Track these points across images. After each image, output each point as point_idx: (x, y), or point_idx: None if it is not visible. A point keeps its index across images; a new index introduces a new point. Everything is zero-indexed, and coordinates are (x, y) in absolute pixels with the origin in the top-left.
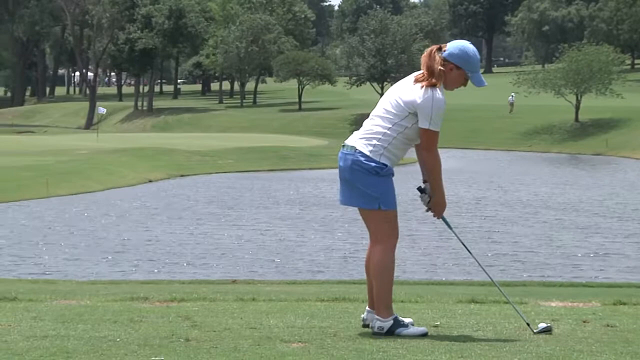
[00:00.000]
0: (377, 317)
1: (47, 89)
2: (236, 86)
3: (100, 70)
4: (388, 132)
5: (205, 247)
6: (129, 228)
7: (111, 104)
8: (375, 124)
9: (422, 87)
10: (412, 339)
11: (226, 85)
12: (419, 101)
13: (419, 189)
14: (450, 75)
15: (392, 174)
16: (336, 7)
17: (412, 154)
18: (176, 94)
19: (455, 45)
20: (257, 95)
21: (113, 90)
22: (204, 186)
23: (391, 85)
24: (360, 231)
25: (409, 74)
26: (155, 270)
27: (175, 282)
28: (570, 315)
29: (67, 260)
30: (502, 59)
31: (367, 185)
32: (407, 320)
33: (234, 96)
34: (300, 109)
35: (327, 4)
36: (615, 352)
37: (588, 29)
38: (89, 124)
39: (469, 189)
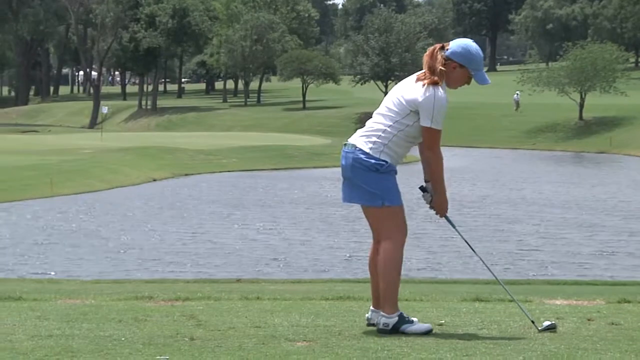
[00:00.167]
0: (382, 313)
1: (51, 88)
2: (240, 85)
3: (104, 69)
4: (388, 129)
5: (209, 246)
6: (133, 227)
7: (115, 103)
8: (377, 121)
9: (424, 85)
10: (417, 336)
11: (230, 84)
12: (420, 99)
13: (421, 188)
14: (453, 73)
15: (394, 171)
16: (340, 6)
17: (415, 151)
18: (180, 93)
19: (457, 44)
20: (261, 94)
21: (117, 89)
22: (208, 185)
23: (395, 83)
24: (364, 230)
25: (413, 73)
26: (160, 269)
27: (180, 281)
28: (575, 314)
29: (72, 260)
30: (505, 57)
31: (368, 182)
32: (412, 319)
33: (238, 95)
34: (304, 108)
35: (331, 2)
36: (620, 350)
37: (592, 27)
38: (93, 123)
39: (473, 188)
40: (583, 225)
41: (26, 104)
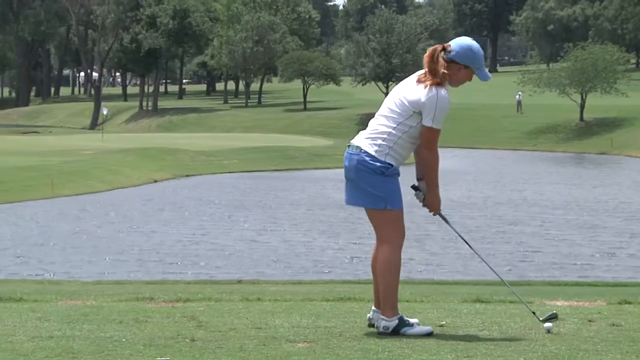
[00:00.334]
0: (382, 316)
1: (52, 89)
2: (241, 86)
3: (105, 70)
4: (393, 131)
5: (210, 247)
6: (134, 228)
7: (116, 104)
8: (380, 123)
9: (426, 86)
10: (418, 338)
11: (231, 85)
12: (423, 99)
13: (413, 186)
14: (458, 75)
15: (398, 174)
16: (341, 7)
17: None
18: (181, 94)
19: (459, 45)
20: (262, 95)
21: (118, 90)
22: (209, 186)
23: (396, 84)
24: (366, 231)
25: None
26: (161, 271)
27: (181, 282)
28: (576, 315)
29: (72, 261)
30: (506, 58)
31: (373, 185)
32: (412, 320)
33: (239, 96)
34: (305, 109)
35: (331, 3)
36: (620, 351)
37: (593, 28)
38: (94, 124)
39: (474, 189)
40: (584, 226)
41: (27, 105)
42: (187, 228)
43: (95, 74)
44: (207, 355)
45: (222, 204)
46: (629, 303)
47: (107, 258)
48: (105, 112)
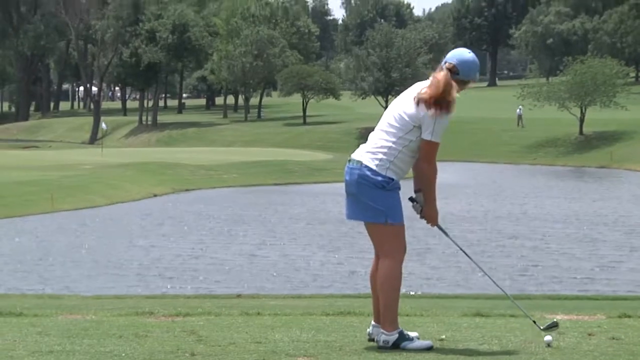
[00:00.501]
0: (382, 330)
1: (52, 104)
2: (240, 100)
3: (104, 85)
4: (393, 145)
5: (209, 261)
6: (133, 243)
7: (115, 119)
8: (380, 137)
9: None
10: (418, 352)
11: (230, 99)
12: (422, 113)
13: (411, 198)
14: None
15: (399, 188)
16: (340, 21)
17: None
18: (180, 108)
19: (468, 66)
20: (262, 109)
21: (117, 104)
22: (208, 200)
23: (395, 98)
24: (365, 245)
25: None
26: (160, 285)
27: (180, 296)
28: (576, 328)
29: (72, 275)
30: (506, 72)
31: (374, 199)
32: (412, 334)
33: (239, 110)
34: (304, 123)
35: (331, 18)
36: None
37: (592, 42)
38: (94, 138)
39: (474, 202)
40: (584, 240)
41: (27, 119)
42: (187, 242)
43: (94, 89)
44: None
45: (222, 218)
46: (629, 317)
47: (107, 272)
48: (104, 126)
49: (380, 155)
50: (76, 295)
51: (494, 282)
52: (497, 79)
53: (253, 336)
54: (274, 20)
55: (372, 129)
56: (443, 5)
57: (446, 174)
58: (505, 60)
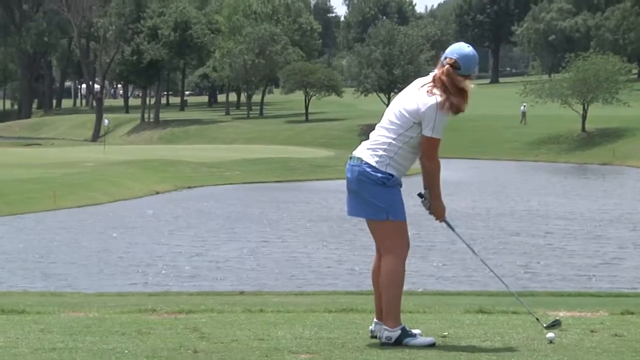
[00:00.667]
0: (385, 327)
1: (54, 101)
2: (243, 98)
3: (106, 82)
4: (393, 142)
5: (212, 258)
6: (136, 240)
7: (118, 116)
8: (381, 134)
9: (427, 92)
10: (420, 349)
11: (233, 96)
12: (423, 109)
13: (419, 194)
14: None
15: (400, 185)
16: (342, 18)
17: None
18: (183, 105)
19: (466, 58)
20: (264, 107)
21: (120, 102)
22: (211, 198)
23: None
24: (368, 242)
25: None
26: (163, 282)
27: (183, 293)
28: (578, 325)
29: (75, 273)
30: (508, 69)
31: (374, 196)
32: (415, 331)
33: (241, 108)
34: (307, 120)
35: (333, 15)
36: None
37: (594, 39)
38: (96, 136)
39: (477, 200)
40: (587, 237)
41: (29, 117)
42: (189, 239)
43: (97, 86)
44: None
45: (224, 216)
46: (632, 313)
47: (109, 269)
48: (107, 123)
49: (380, 152)
50: (79, 292)
51: (499, 278)
52: (499, 76)
53: (256, 333)
54: (276, 17)
55: (374, 126)
56: (445, 2)
57: (448, 171)
58: (507, 57)
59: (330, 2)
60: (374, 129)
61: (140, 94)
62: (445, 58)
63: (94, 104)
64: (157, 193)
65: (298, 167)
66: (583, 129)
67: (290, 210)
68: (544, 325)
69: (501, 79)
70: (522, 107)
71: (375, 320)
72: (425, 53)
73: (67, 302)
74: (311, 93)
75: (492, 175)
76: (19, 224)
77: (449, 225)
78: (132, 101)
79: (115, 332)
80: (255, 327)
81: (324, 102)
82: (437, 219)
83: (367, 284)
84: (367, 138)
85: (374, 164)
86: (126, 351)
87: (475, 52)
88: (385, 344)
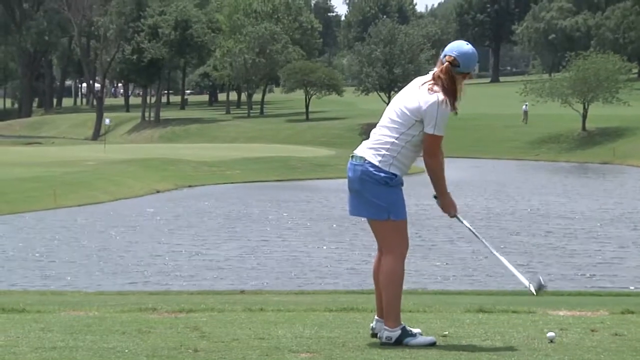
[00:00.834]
0: (385, 327)
1: (55, 100)
2: (243, 97)
3: (107, 81)
4: (396, 141)
5: (212, 257)
6: (136, 239)
7: (118, 115)
8: (382, 133)
9: (428, 90)
10: (421, 348)
11: (233, 95)
12: (424, 107)
13: (435, 196)
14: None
15: (402, 184)
16: (342, 17)
17: (421, 162)
18: (183, 104)
19: (466, 56)
20: (264, 106)
21: (120, 101)
22: (211, 197)
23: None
24: (369, 241)
25: None
26: (163, 281)
27: (184, 292)
28: (579, 324)
29: (75, 272)
30: (509, 68)
31: (377, 195)
32: (415, 330)
33: (241, 107)
34: (307, 119)
35: (333, 14)
36: None
37: (595, 38)
38: (97, 135)
39: (478, 199)
40: (587, 236)
41: (29, 115)
42: (190, 238)
43: (97, 85)
44: None
45: (225, 215)
46: (632, 313)
47: (110, 268)
48: (107, 122)
49: (383, 152)
50: (79, 291)
51: (512, 270)
52: (499, 75)
53: (256, 332)
54: (276, 16)
55: (375, 125)
56: (446, 1)
57: (449, 170)
58: (507, 56)
59: (331, 1)
60: (374, 128)
61: (141, 93)
62: (445, 56)
63: (95, 102)
64: (158, 192)
65: (298, 166)
66: (583, 128)
67: (290, 209)
68: (534, 292)
69: (501, 78)
70: (524, 107)
71: (376, 317)
72: (426, 52)
73: (68, 301)
74: (312, 92)
75: (492, 175)
76: (19, 223)
77: (460, 221)
78: (133, 100)
79: (115, 331)
80: (256, 326)
81: (325, 101)
82: (450, 216)
83: (368, 283)
84: (368, 137)
85: (377, 163)
86: (126, 350)
87: (474, 50)
88: (386, 344)
